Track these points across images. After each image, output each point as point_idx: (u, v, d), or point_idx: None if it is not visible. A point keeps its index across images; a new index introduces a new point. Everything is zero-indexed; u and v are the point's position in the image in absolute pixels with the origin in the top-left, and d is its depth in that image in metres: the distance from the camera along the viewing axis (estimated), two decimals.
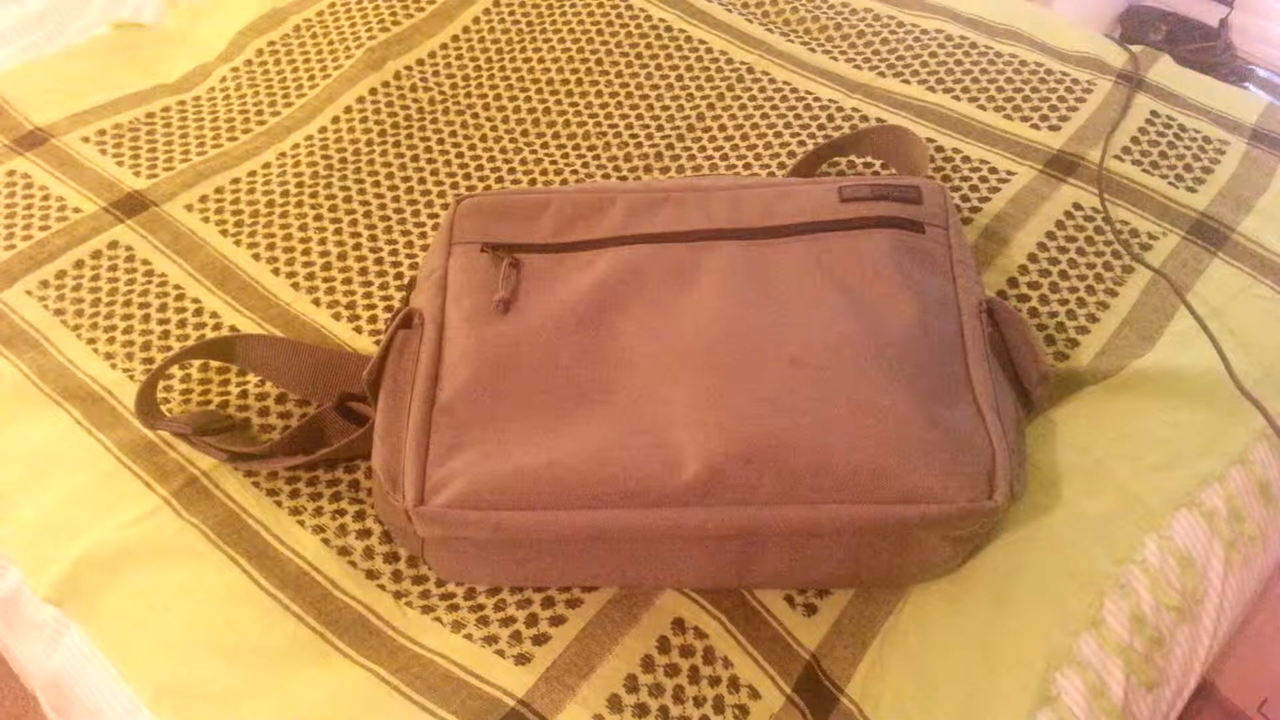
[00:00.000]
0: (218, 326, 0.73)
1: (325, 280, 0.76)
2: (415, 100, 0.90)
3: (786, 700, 0.55)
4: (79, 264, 0.77)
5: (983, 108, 0.88)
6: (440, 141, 0.87)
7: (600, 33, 0.97)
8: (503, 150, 0.87)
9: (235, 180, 0.83)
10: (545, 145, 0.88)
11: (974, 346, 0.60)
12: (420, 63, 0.94)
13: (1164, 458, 0.64)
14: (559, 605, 0.58)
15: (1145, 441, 0.64)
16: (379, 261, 0.77)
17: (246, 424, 0.67)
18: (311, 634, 0.57)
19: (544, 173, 0.85)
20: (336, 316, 0.73)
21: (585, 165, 0.86)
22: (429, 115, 0.89)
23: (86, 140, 0.87)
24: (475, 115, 0.90)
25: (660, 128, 0.88)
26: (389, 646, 0.57)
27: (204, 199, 0.82)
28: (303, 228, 0.79)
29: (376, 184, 0.83)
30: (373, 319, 0.73)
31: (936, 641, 0.57)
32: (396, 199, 0.82)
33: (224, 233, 0.79)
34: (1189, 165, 0.83)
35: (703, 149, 0.86)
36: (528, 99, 0.92)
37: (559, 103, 0.91)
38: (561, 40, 0.97)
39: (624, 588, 0.59)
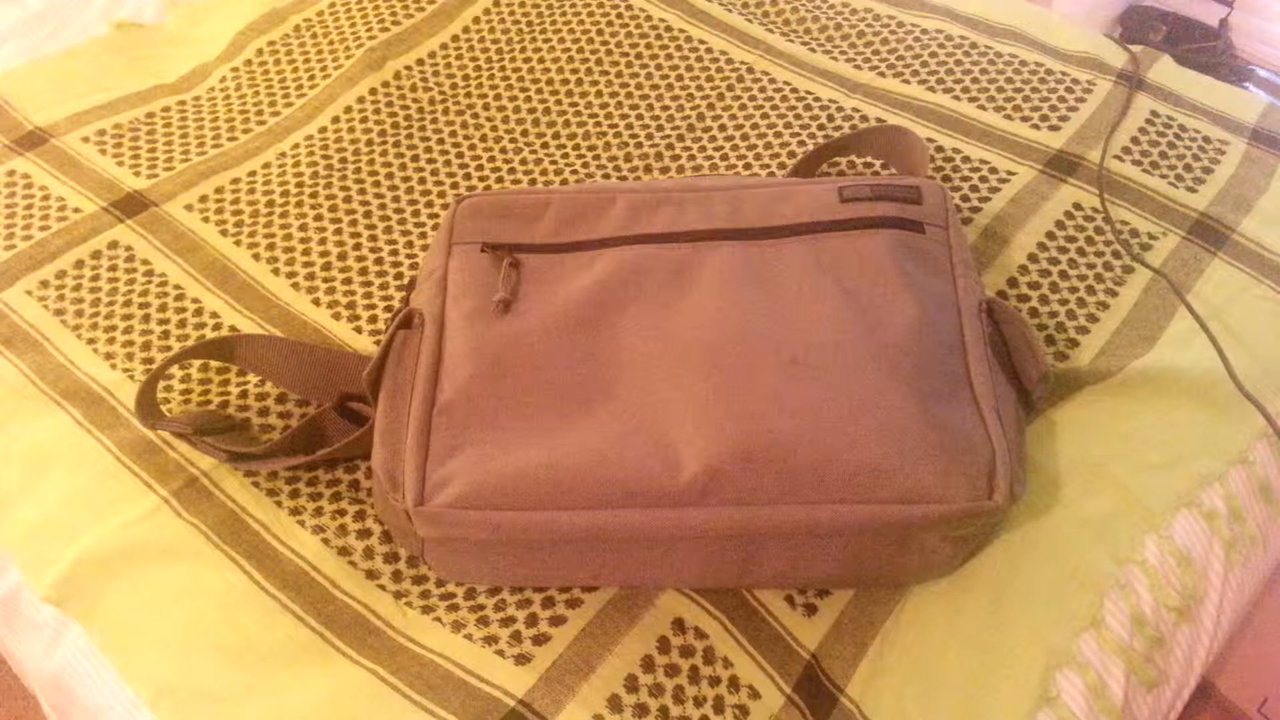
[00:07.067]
0: (218, 326, 0.73)
1: (325, 280, 0.76)
2: (415, 100, 0.90)
3: (786, 700, 0.55)
4: (79, 264, 0.77)
5: (983, 108, 0.88)
6: (440, 141, 0.87)
7: (600, 33, 0.97)
8: (503, 150, 0.87)
9: (235, 180, 0.83)
10: (545, 145, 0.88)
11: (974, 346, 0.60)
12: (420, 63, 0.94)
13: (1164, 458, 0.64)
14: (559, 605, 0.58)
15: (1145, 441, 0.64)
16: (379, 261, 0.77)
17: (246, 424, 0.67)
18: (311, 634, 0.57)
19: (544, 173, 0.85)
20: (336, 316, 0.73)
21: (585, 165, 0.86)
22: (429, 115, 0.89)
23: (86, 140, 0.87)
24: (475, 115, 0.90)
25: (660, 128, 0.88)
26: (389, 646, 0.57)
27: (204, 199, 0.82)
28: (303, 228, 0.79)
29: (376, 184, 0.83)
30: (373, 319, 0.73)
31: (936, 641, 0.57)
32: (396, 199, 0.82)
33: (224, 233, 0.79)
34: (1189, 165, 0.83)
35: (703, 149, 0.86)
36: (528, 99, 0.92)
37: (559, 103, 0.91)
38: (561, 40, 0.97)
39: (624, 588, 0.59)
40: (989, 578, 0.59)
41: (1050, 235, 0.77)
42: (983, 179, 0.81)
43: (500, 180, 0.85)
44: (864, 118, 0.87)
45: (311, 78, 0.93)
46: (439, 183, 0.84)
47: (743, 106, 0.90)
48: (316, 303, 0.74)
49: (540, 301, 0.61)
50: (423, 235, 0.79)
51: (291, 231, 0.79)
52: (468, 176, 0.85)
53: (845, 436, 0.53)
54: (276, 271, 0.77)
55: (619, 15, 0.99)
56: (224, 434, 0.66)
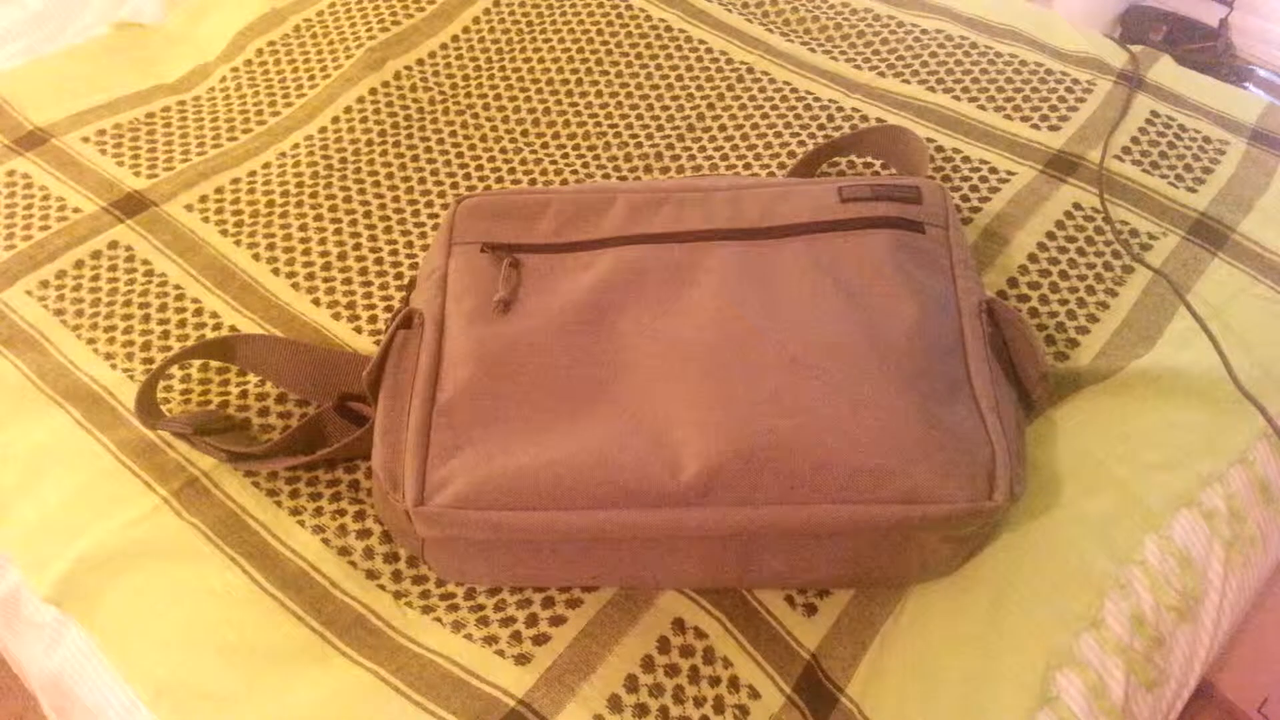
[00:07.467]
0: (218, 326, 0.73)
1: (325, 280, 0.76)
2: (415, 100, 0.90)
3: (786, 700, 0.55)
4: (79, 264, 0.77)
5: (983, 108, 0.88)
6: (440, 141, 0.87)
7: (600, 33, 0.97)
8: (503, 150, 0.87)
9: (235, 180, 0.83)
10: (545, 145, 0.88)
11: (974, 347, 0.60)
12: (420, 63, 0.94)
13: (1164, 458, 0.63)
14: (559, 605, 0.58)
15: (1145, 441, 0.64)
16: (379, 261, 0.77)
17: (246, 424, 0.67)
18: (311, 634, 0.57)
19: (544, 173, 0.85)
20: (336, 316, 0.73)
21: (585, 165, 0.86)
22: (429, 115, 0.89)
23: (86, 140, 0.87)
24: (475, 115, 0.90)
25: (660, 128, 0.88)
26: (389, 646, 0.57)
27: (204, 199, 0.82)
28: (303, 228, 0.79)
29: (376, 184, 0.83)
30: (373, 319, 0.73)
31: (936, 641, 0.57)
32: (396, 199, 0.82)
33: (224, 233, 0.79)
34: (1189, 165, 0.83)
35: (703, 149, 0.86)
36: (528, 99, 0.92)
37: (559, 103, 0.91)
38: (561, 40, 0.97)
39: (624, 588, 0.59)
40: (989, 578, 0.59)
41: (1050, 235, 0.77)
42: (983, 179, 0.81)
43: (500, 180, 0.85)
44: (864, 118, 0.87)
45: (311, 78, 0.93)
46: (439, 183, 0.84)
47: (743, 106, 0.90)
48: (316, 303, 0.74)
49: (540, 302, 0.61)
50: (423, 235, 0.79)
51: (291, 231, 0.79)
52: (468, 176, 0.85)
53: (845, 437, 0.53)
54: (276, 271, 0.77)
55: (619, 15, 0.99)
56: (224, 434, 0.66)
